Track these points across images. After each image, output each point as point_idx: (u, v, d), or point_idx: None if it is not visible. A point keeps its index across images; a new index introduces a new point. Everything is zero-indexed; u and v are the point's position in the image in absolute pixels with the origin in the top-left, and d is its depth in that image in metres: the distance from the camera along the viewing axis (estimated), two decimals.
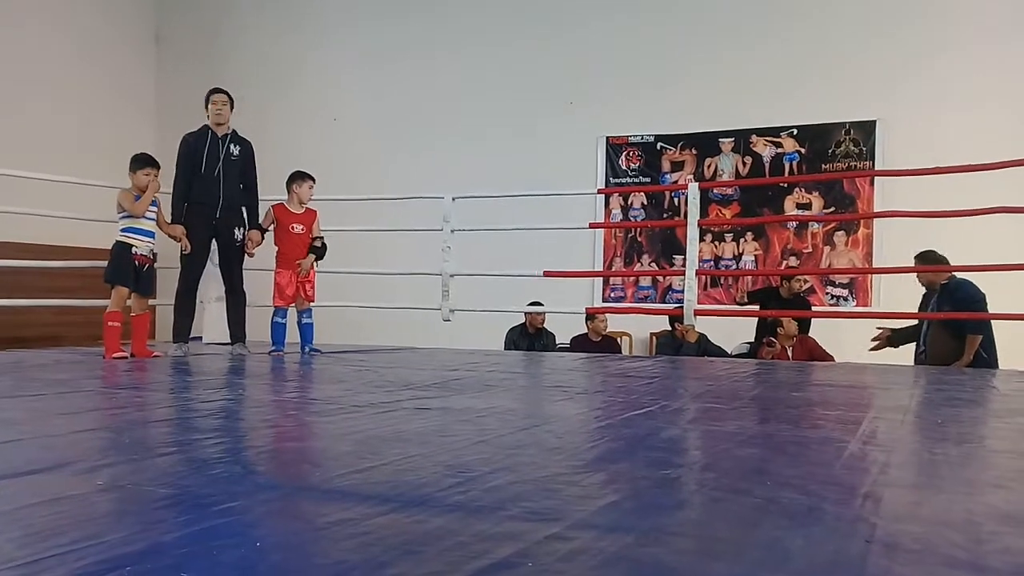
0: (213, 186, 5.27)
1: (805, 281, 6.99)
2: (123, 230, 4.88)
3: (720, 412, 2.82)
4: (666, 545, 1.22)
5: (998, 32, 7.18)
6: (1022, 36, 7.10)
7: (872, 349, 5.90)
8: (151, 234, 4.97)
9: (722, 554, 1.18)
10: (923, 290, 5.75)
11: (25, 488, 1.54)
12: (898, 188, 7.08)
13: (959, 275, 5.39)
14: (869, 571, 1.11)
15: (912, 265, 5.63)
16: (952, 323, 5.30)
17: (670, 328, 6.96)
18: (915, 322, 5.84)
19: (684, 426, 2.51)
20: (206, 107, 5.38)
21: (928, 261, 5.53)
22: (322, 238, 5.59)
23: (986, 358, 5.22)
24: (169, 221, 5.19)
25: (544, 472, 1.71)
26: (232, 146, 5.36)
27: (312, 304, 5.61)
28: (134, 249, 4.85)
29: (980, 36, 7.24)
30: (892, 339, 5.91)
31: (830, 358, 6.22)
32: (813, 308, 7.05)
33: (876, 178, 7.48)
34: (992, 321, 5.31)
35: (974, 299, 5.23)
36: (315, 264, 5.57)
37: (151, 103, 10.38)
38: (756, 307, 6.63)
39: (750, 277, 7.79)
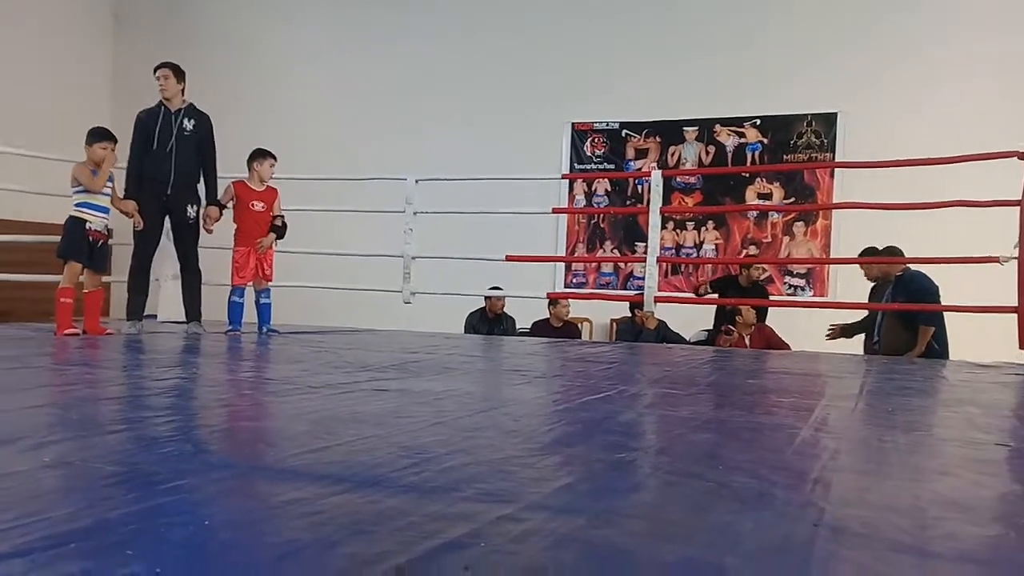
0: (164, 162, 5.17)
1: (764, 270, 7.06)
2: (77, 205, 4.77)
3: (676, 398, 2.85)
4: (618, 527, 1.22)
5: (959, 29, 7.30)
6: (982, 34, 7.22)
7: (828, 338, 6.01)
8: (106, 210, 4.88)
9: (674, 536, 1.19)
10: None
11: None
12: (857, 180, 7.18)
13: (913, 267, 5.49)
14: (816, 554, 1.12)
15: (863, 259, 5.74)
16: (905, 314, 5.40)
17: (630, 315, 7.00)
18: (865, 314, 5.95)
19: (640, 411, 2.53)
20: None
21: (874, 256, 5.64)
22: (282, 217, 5.53)
23: (938, 349, 5.32)
24: (122, 197, 5.10)
25: (500, 454, 1.71)
26: (186, 120, 5.25)
27: (270, 284, 5.55)
28: (88, 224, 4.75)
29: (941, 33, 7.35)
30: (845, 331, 6.01)
31: (786, 346, 6.31)
32: (771, 297, 7.13)
33: (836, 170, 7.58)
34: (944, 313, 5.41)
35: (928, 291, 5.32)
36: (275, 243, 5.51)
37: (108, 79, 10.17)
38: (715, 295, 6.69)
39: (710, 268, 7.85)
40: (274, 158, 5.50)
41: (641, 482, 1.58)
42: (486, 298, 7.06)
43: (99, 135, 4.84)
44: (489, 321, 7.14)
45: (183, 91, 5.30)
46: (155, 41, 9.72)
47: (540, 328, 7.08)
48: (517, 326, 7.26)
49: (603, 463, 1.69)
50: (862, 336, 5.99)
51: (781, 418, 2.45)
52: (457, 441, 1.82)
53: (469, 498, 1.33)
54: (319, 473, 1.48)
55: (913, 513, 1.36)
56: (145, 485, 1.36)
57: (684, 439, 2.04)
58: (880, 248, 5.62)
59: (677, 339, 6.75)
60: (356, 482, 1.40)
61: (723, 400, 2.90)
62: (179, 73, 5.27)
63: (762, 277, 7.00)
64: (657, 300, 5.69)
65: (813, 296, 7.64)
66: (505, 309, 7.23)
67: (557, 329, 7.04)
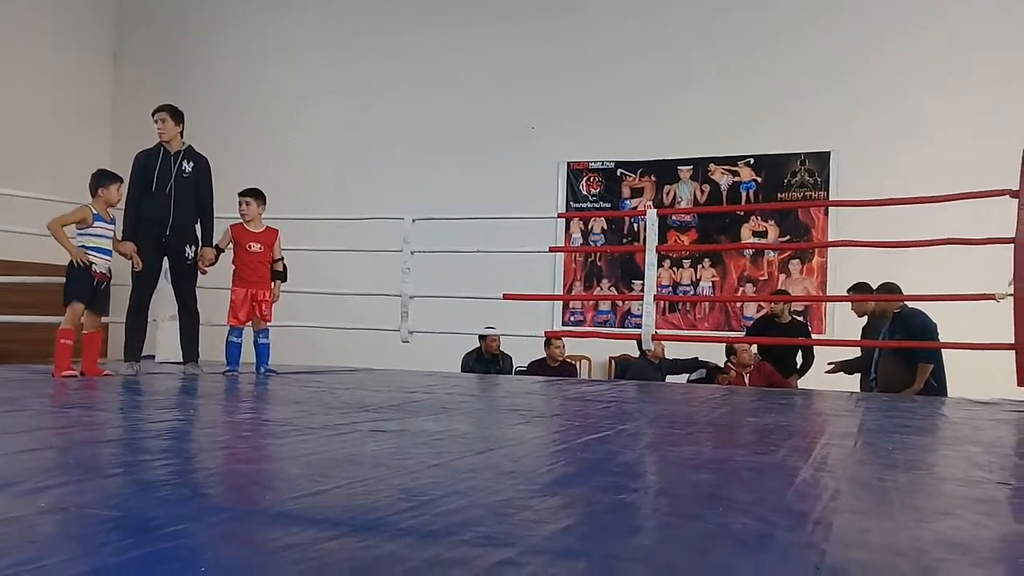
0: (164, 204, 5.18)
1: (786, 308, 6.87)
2: (80, 247, 4.79)
3: (676, 437, 2.83)
4: (619, 571, 1.21)
5: (951, 68, 7.39)
6: (973, 72, 7.32)
7: (829, 372, 6.04)
8: (108, 252, 4.91)
9: None
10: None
11: None
12: (852, 218, 7.22)
13: (911, 305, 5.50)
14: None
15: (848, 295, 5.79)
16: (903, 352, 5.40)
17: (640, 354, 6.93)
18: (859, 352, 5.96)
19: (640, 450, 2.52)
20: None
21: (860, 292, 5.66)
22: (283, 260, 5.54)
23: (936, 387, 5.31)
24: (120, 238, 5.12)
25: (498, 496, 1.70)
26: (185, 163, 5.26)
27: (268, 324, 5.54)
28: (93, 267, 4.78)
29: (932, 72, 7.45)
30: (844, 367, 6.02)
31: (787, 384, 6.29)
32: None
33: (830, 208, 7.63)
34: (942, 351, 5.41)
35: (927, 329, 5.32)
36: (279, 288, 5.54)
37: (107, 120, 10.25)
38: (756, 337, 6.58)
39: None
40: (255, 198, 5.46)
41: (641, 524, 1.57)
42: (481, 338, 7.04)
43: (111, 176, 4.90)
44: (486, 361, 7.12)
45: (182, 133, 5.32)
46: (154, 80, 9.83)
47: (536, 368, 7.07)
48: (515, 365, 7.23)
49: (602, 505, 1.68)
50: (859, 373, 5.99)
51: (781, 457, 2.43)
52: (455, 483, 1.81)
53: (468, 542, 1.32)
54: (316, 517, 1.47)
55: (915, 555, 1.35)
56: (142, 531, 1.34)
57: (684, 479, 2.03)
58: (873, 286, 5.63)
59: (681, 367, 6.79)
60: (353, 526, 1.39)
61: (723, 439, 2.89)
62: (177, 116, 5.29)
63: (791, 314, 6.85)
64: (655, 338, 5.69)
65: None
66: (503, 348, 7.21)
67: (553, 368, 7.02)
